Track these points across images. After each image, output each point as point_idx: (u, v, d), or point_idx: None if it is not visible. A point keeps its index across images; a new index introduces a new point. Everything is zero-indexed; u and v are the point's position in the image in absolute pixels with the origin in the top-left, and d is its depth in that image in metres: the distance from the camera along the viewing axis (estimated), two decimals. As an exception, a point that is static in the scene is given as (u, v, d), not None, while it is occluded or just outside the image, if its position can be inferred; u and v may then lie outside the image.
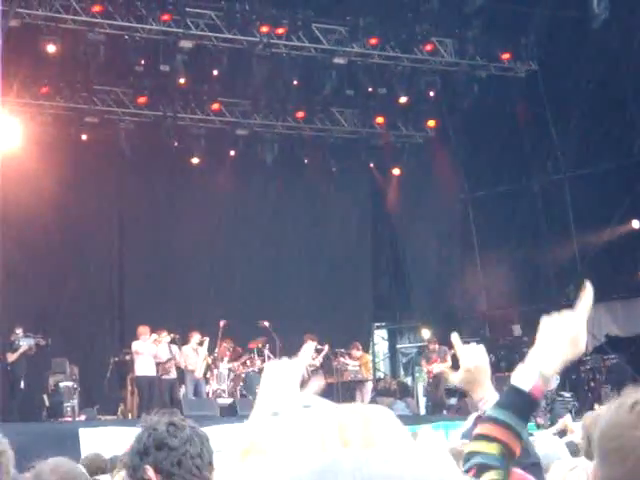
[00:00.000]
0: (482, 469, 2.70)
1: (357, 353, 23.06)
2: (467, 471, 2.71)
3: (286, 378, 2.86)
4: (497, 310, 25.96)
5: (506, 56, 24.10)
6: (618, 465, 2.28)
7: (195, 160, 24.37)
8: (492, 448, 2.72)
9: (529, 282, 24.93)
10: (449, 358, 21.89)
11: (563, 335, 2.80)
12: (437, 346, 22.61)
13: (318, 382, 2.96)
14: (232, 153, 24.89)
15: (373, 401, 22.28)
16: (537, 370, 2.77)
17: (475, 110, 24.34)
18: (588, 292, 2.91)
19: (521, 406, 2.77)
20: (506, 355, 23.70)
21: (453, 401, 22.81)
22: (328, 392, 22.51)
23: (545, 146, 25.03)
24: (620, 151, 23.57)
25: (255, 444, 2.07)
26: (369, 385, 23.28)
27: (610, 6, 20.33)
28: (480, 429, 2.79)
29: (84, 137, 23.09)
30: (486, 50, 23.79)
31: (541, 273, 25.14)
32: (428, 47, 23.28)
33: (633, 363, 22.56)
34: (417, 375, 27.38)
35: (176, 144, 23.87)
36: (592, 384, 22.68)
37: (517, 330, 25.26)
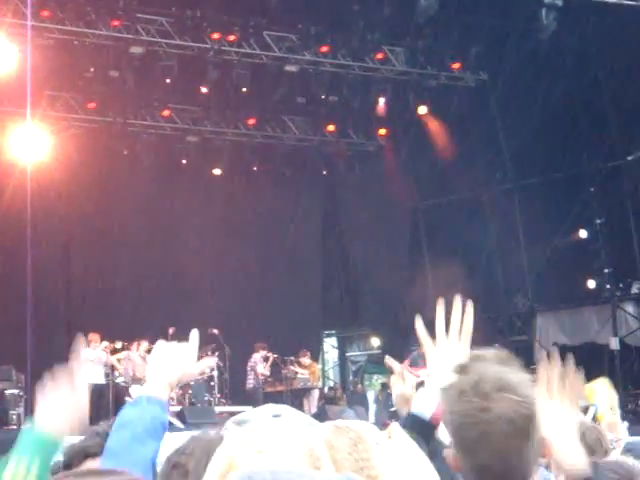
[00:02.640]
0: None
1: (306, 361, 23.03)
2: None
3: (173, 360, 2.86)
4: (447, 319, 26.00)
5: (456, 66, 24.24)
6: (480, 454, 2.32)
7: (145, 166, 24.23)
8: None
9: (478, 291, 25.03)
10: None
11: (449, 360, 2.92)
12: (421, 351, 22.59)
13: (208, 361, 3.01)
14: (182, 160, 24.80)
15: (322, 409, 22.27)
16: (437, 397, 2.80)
17: (422, 121, 24.47)
18: (468, 315, 3.02)
19: (424, 431, 2.89)
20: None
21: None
22: (277, 400, 22.47)
23: (494, 156, 25.19)
24: (568, 161, 23.77)
25: (234, 462, 1.94)
26: (316, 393, 23.25)
27: (559, 17, 20.51)
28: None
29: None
30: (436, 59, 23.91)
31: (490, 282, 25.28)
32: (379, 55, 23.35)
33: (581, 371, 22.70)
34: (367, 383, 27.42)
35: (125, 152, 23.73)
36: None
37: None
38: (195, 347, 2.96)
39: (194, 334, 2.99)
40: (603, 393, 6.88)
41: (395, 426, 2.08)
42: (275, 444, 1.92)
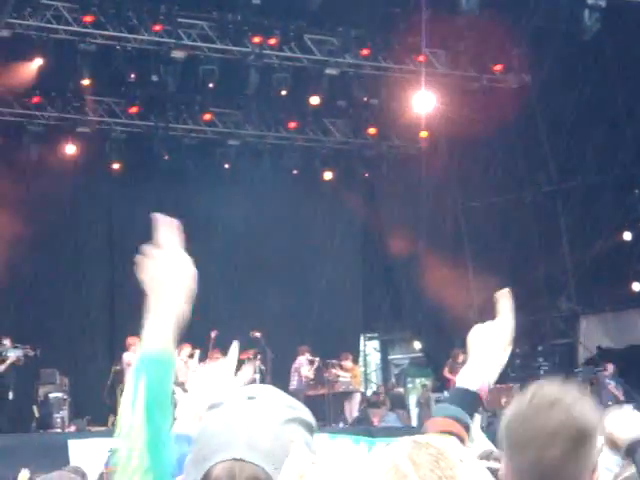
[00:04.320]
0: None
1: (348, 364, 23.01)
2: None
3: (214, 382, 2.82)
4: (489, 321, 25.87)
5: (498, 68, 24.12)
6: (521, 455, 2.34)
7: (188, 170, 24.35)
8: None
9: (521, 294, 24.76)
10: None
11: (495, 342, 2.97)
12: (464, 357, 22.51)
13: (248, 370, 2.91)
14: (224, 164, 24.88)
15: (364, 413, 22.25)
16: (481, 376, 2.85)
17: (468, 122, 24.33)
18: (506, 298, 3.07)
19: (468, 402, 2.85)
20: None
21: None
22: (319, 403, 22.45)
23: (537, 158, 25.03)
24: (612, 163, 23.58)
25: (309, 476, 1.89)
26: (358, 396, 23.21)
27: (601, 18, 20.34)
28: (436, 424, 2.81)
29: (74, 148, 23.10)
30: (478, 61, 23.80)
31: (533, 285, 25.09)
32: (420, 58, 23.29)
33: (624, 374, 22.53)
34: (410, 386, 27.36)
35: (166, 157, 23.86)
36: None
37: (509, 342, 25.18)
38: (233, 361, 2.90)
39: (234, 346, 2.94)
40: None
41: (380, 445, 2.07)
42: (359, 460, 1.92)
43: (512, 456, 2.43)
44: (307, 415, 2.13)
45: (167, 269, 2.67)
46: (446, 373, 22.76)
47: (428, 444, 1.88)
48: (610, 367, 21.82)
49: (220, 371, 2.86)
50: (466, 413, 2.82)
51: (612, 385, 21.41)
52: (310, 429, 2.09)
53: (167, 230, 2.72)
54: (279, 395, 2.14)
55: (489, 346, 2.90)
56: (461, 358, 22.58)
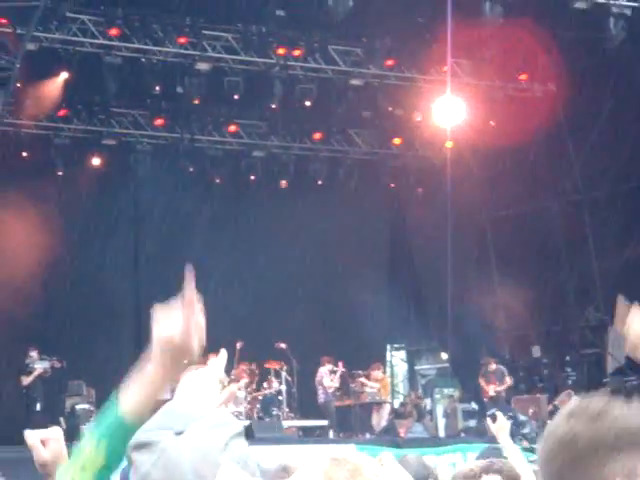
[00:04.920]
0: None
1: (378, 374, 22.99)
2: None
3: (203, 387, 2.78)
4: (516, 331, 25.81)
5: (523, 77, 24.05)
6: (549, 464, 2.27)
7: (214, 181, 24.43)
8: None
9: (548, 303, 24.79)
10: (508, 379, 21.92)
11: None
12: (495, 366, 22.50)
13: (230, 391, 2.85)
14: (250, 175, 24.92)
15: (390, 423, 22.18)
16: None
17: (493, 131, 24.28)
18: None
19: None
20: (525, 377, 23.56)
21: (472, 423, 22.66)
22: (347, 413, 22.41)
23: (564, 166, 24.94)
24: (638, 171, 23.45)
25: None
26: (387, 407, 23.15)
27: (627, 27, 20.25)
28: None
29: (99, 160, 23.23)
30: (503, 71, 23.74)
31: (560, 294, 24.99)
32: (445, 68, 23.24)
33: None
34: (437, 397, 27.24)
35: (191, 169, 23.94)
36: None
37: (536, 351, 25.10)
38: (220, 368, 2.84)
39: (222, 355, 2.86)
40: None
41: (386, 455, 2.03)
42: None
43: (545, 464, 2.35)
44: (238, 424, 2.06)
45: (183, 334, 2.50)
46: (481, 382, 22.67)
47: (345, 460, 1.89)
48: None
49: (207, 378, 2.82)
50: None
51: None
52: (248, 435, 2.03)
53: (191, 286, 2.61)
54: (203, 416, 2.05)
55: None
56: (493, 367, 22.51)
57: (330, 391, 22.04)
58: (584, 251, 24.73)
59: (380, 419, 22.47)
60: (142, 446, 2.03)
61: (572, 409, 2.27)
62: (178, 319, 2.52)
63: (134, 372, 2.45)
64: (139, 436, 2.07)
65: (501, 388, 22.28)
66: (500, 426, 5.64)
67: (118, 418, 2.39)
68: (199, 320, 2.54)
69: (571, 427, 2.23)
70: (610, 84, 22.78)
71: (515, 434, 17.95)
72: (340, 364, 22.21)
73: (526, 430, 19.79)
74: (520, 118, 23.98)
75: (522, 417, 20.60)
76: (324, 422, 21.60)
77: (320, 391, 22.12)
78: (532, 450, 15.74)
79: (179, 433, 2.01)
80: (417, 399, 25.03)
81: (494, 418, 5.75)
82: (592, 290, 24.56)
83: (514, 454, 5.06)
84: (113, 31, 20.67)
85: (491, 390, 22.18)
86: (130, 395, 2.39)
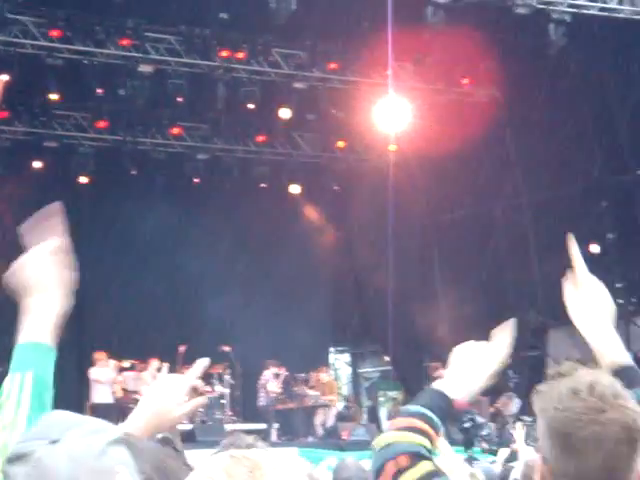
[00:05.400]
0: (416, 458, 2.60)
1: (324, 377, 23.06)
2: (391, 459, 2.60)
3: (170, 394, 2.74)
4: (458, 335, 25.95)
5: (466, 81, 24.22)
6: (588, 455, 2.21)
7: (157, 184, 24.29)
8: (420, 440, 2.65)
9: (490, 307, 24.98)
10: None
11: (484, 363, 2.89)
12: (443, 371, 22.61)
13: (197, 402, 2.80)
14: (193, 177, 24.83)
15: (333, 427, 22.21)
16: (465, 387, 2.76)
17: (436, 135, 24.42)
18: (508, 327, 3.01)
19: (439, 405, 2.74)
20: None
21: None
22: (289, 417, 22.42)
23: (505, 171, 25.15)
24: (580, 175, 23.73)
25: None
26: (334, 410, 23.19)
27: (567, 33, 20.47)
28: (400, 422, 2.71)
29: (40, 163, 23.00)
30: (446, 75, 23.89)
31: (502, 297, 25.20)
32: (389, 71, 23.35)
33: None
34: (381, 399, 27.34)
35: (134, 172, 23.80)
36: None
37: (478, 354, 25.28)
38: (193, 376, 2.82)
39: (201, 363, 2.85)
40: None
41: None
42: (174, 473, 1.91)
43: (575, 457, 2.28)
44: (117, 431, 2.03)
45: (39, 268, 2.62)
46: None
47: (245, 457, 1.93)
48: None
49: (177, 384, 2.79)
50: (440, 419, 2.70)
51: None
52: (126, 443, 2.00)
53: (46, 223, 2.73)
54: (80, 424, 2.01)
55: (478, 364, 2.84)
56: (437, 373, 22.64)
57: (272, 395, 22.01)
58: (525, 254, 24.96)
59: (327, 421, 22.51)
60: (16, 458, 1.97)
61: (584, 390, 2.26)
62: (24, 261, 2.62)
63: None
64: (14, 448, 2.01)
65: None
66: None
67: (32, 345, 2.50)
68: (62, 270, 2.65)
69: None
70: (551, 89, 23.03)
71: (474, 436, 18.10)
72: (283, 369, 22.20)
73: (485, 432, 19.89)
74: (463, 122, 24.16)
75: (481, 419, 20.72)
76: (263, 425, 21.62)
77: (261, 394, 22.09)
78: (492, 452, 15.90)
79: (54, 442, 1.95)
80: (352, 403, 25.17)
81: None
82: (533, 293, 24.79)
83: (448, 453, 5.08)
84: (54, 32, 20.48)
85: None
86: (28, 328, 2.55)
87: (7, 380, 2.45)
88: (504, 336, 2.93)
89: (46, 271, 2.62)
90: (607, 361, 2.80)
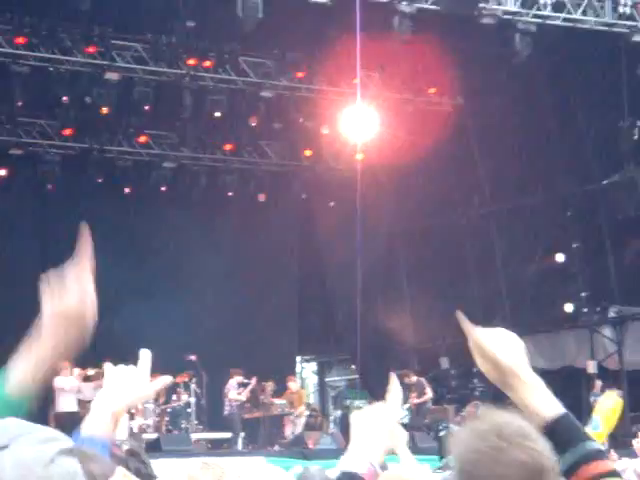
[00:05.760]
0: None
1: (293, 386, 23.05)
2: None
3: (122, 387, 2.71)
4: (425, 343, 26.02)
5: (432, 90, 24.30)
6: None
7: (123, 192, 24.19)
8: None
9: (455, 316, 25.05)
10: (429, 391, 22.06)
11: (380, 428, 2.82)
12: (415, 378, 22.61)
13: (164, 379, 2.78)
14: (160, 186, 24.73)
15: (300, 435, 22.16)
16: (367, 459, 2.74)
17: (403, 144, 24.48)
18: (395, 386, 2.99)
19: None
20: (433, 388, 23.74)
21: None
22: (255, 426, 22.34)
23: (472, 180, 25.25)
24: (545, 185, 23.86)
25: None
26: (303, 419, 23.13)
27: (532, 42, 20.60)
28: None
29: (5, 171, 22.85)
30: (413, 84, 23.96)
31: (468, 306, 25.26)
32: (356, 80, 23.38)
33: (560, 395, 22.70)
34: (347, 409, 27.31)
35: (100, 180, 23.68)
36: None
37: (444, 362, 25.37)
38: (146, 367, 2.80)
39: (144, 353, 2.82)
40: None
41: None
42: None
43: None
44: (68, 441, 1.98)
45: (79, 304, 2.44)
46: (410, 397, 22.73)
47: (215, 465, 1.95)
48: (598, 384, 21.69)
49: (134, 372, 2.76)
50: None
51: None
52: (77, 453, 1.98)
53: (87, 246, 2.59)
54: (31, 432, 1.96)
55: (375, 429, 2.85)
56: (413, 379, 22.66)
57: (236, 404, 21.92)
58: (491, 263, 25.06)
59: (296, 430, 22.46)
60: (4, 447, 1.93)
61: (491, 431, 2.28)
62: (71, 288, 2.43)
63: (22, 347, 2.39)
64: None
65: (420, 400, 22.40)
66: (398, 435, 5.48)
67: (4, 396, 2.32)
68: (89, 288, 2.49)
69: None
70: (516, 99, 23.16)
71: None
72: (254, 379, 22.10)
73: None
74: (429, 131, 24.24)
75: (456, 428, 20.73)
76: (229, 435, 21.55)
77: (226, 403, 22.02)
78: None
79: (3, 448, 1.91)
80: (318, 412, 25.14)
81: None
82: (499, 302, 24.89)
83: (410, 463, 5.06)
84: (20, 39, 20.37)
85: (409, 403, 22.27)
86: (17, 370, 2.34)
87: None
88: (395, 392, 2.95)
89: (80, 313, 2.49)
90: (538, 419, 2.58)
